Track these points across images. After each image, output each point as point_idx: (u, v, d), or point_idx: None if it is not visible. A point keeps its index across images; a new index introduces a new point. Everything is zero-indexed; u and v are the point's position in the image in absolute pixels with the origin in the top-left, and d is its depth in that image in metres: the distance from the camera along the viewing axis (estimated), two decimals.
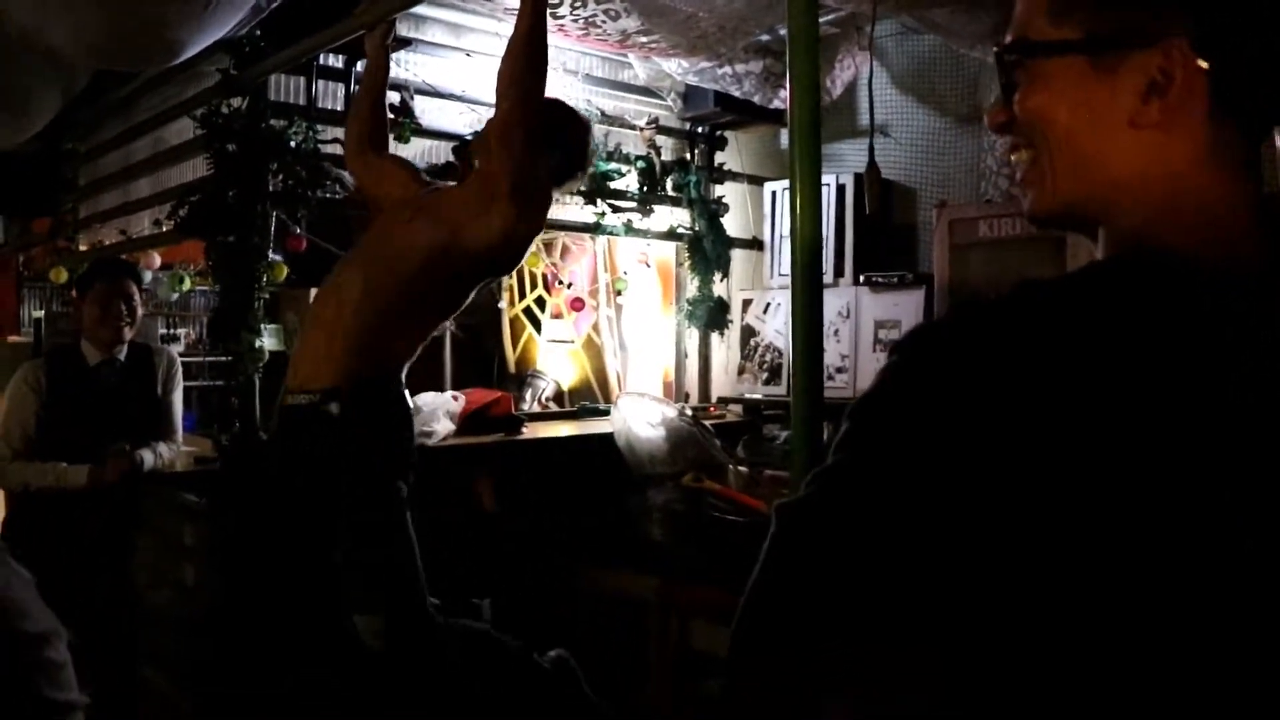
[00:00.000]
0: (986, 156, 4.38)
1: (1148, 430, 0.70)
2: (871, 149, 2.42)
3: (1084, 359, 0.72)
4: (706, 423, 4.05)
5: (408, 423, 2.64)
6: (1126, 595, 0.70)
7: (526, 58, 2.42)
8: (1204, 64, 0.78)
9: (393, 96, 3.40)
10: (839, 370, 4.27)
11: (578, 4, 3.31)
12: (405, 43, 3.48)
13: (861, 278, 4.34)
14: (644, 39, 3.63)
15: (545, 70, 2.46)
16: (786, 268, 4.62)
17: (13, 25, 3.28)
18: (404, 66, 3.77)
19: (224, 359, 3.76)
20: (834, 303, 4.17)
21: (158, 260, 4.67)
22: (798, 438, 1.94)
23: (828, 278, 4.07)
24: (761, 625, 0.77)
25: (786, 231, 4.61)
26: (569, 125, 2.74)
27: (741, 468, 3.82)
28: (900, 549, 0.73)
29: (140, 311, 3.70)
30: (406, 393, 2.70)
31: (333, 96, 3.72)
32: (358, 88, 3.09)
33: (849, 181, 4.42)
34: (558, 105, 2.80)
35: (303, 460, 2.56)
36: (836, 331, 4.29)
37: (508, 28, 3.80)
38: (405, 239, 2.61)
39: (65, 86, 4.32)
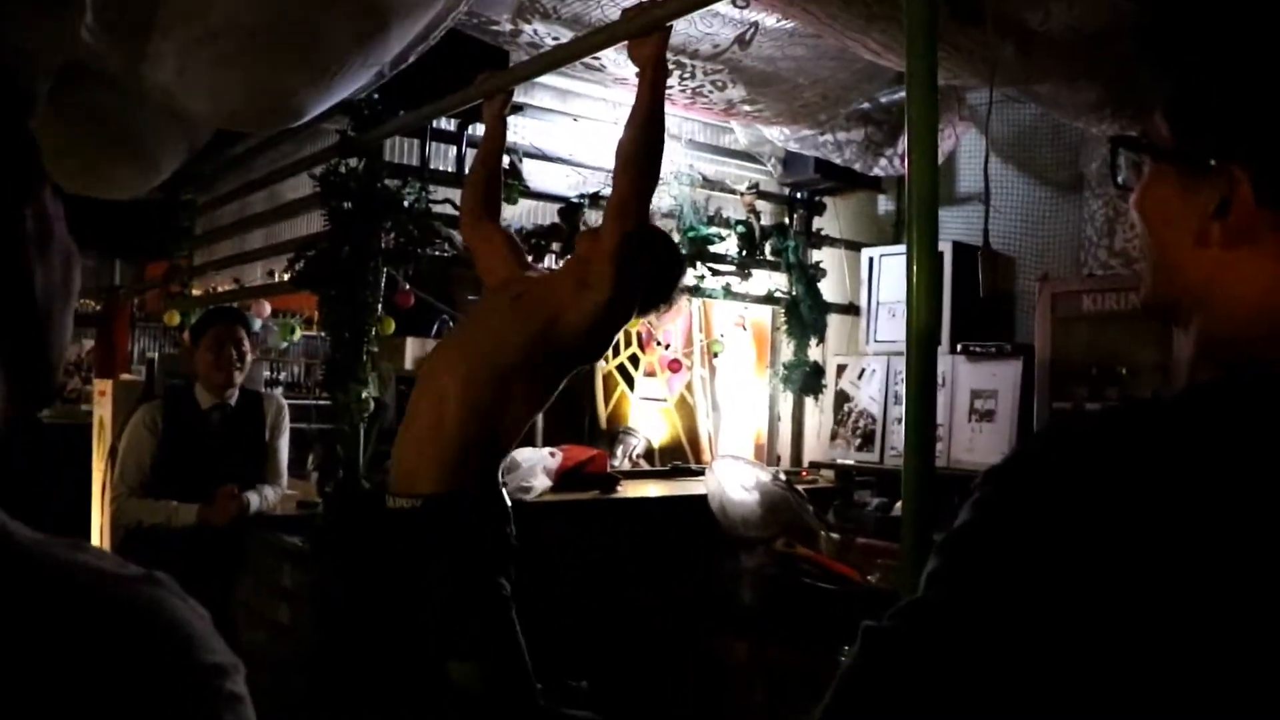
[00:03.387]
0: (1086, 226, 4.33)
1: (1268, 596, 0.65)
2: (986, 231, 2.42)
3: (1199, 506, 0.66)
4: (799, 487, 4.04)
5: (506, 519, 2.59)
6: None
7: (646, 138, 2.44)
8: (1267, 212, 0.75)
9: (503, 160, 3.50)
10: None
11: (686, 75, 3.39)
12: (518, 108, 3.59)
13: (958, 347, 4.28)
14: (748, 108, 3.69)
15: (662, 149, 2.49)
16: (883, 334, 4.61)
17: (152, 88, 3.45)
18: (513, 130, 3.86)
19: (327, 403, 3.86)
20: None
21: (268, 309, 4.82)
22: (908, 508, 1.94)
23: None
24: None
25: (883, 298, 4.62)
26: (671, 258, 2.82)
27: (833, 534, 3.80)
28: (986, 706, 0.70)
29: (250, 357, 3.85)
30: (504, 490, 2.66)
31: (445, 157, 3.84)
32: (474, 154, 3.18)
33: (947, 249, 4.40)
34: (667, 239, 2.95)
35: (405, 561, 2.56)
36: None
37: (614, 94, 3.95)
38: (506, 328, 2.61)
39: (191, 142, 4.51)
